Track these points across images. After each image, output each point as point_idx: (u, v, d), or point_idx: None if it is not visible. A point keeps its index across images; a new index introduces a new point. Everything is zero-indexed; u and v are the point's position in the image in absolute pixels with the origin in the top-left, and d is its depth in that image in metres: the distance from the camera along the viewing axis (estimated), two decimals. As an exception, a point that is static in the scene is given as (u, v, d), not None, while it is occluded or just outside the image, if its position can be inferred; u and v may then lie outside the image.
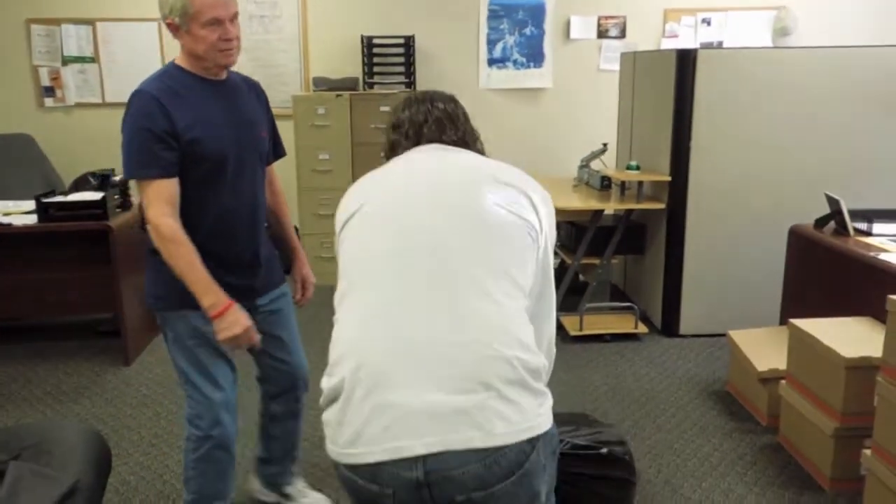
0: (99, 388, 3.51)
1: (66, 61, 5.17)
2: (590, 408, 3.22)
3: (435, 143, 1.59)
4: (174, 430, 3.09)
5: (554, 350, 1.61)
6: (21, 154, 4.91)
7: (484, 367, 1.24)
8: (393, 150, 1.63)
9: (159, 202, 1.88)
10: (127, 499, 2.58)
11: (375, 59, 5.06)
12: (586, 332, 3.99)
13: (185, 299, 1.93)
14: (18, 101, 5.18)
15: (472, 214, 1.37)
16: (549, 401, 1.33)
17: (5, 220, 3.61)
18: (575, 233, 4.19)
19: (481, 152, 1.64)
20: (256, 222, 2.11)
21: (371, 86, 5.05)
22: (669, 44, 5.43)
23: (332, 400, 1.30)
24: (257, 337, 1.98)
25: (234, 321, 1.92)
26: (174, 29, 1.90)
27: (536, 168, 5.49)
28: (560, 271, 4.65)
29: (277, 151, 2.26)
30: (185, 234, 1.90)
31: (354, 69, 5.21)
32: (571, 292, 4.24)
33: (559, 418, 2.25)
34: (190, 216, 1.95)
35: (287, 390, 2.30)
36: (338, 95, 4.89)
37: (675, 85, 3.83)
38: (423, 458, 1.19)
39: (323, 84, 5.01)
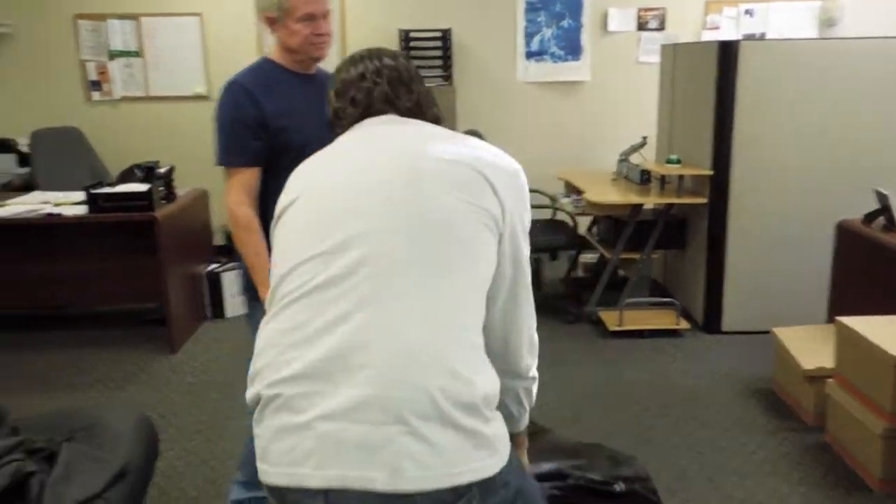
0: (146, 375, 3.59)
1: (112, 56, 5.27)
2: (629, 404, 3.20)
3: (386, 115, 1.37)
4: (220, 417, 3.14)
5: (536, 349, 1.40)
6: (69, 146, 5.03)
7: (397, 397, 1.05)
8: (338, 120, 1.41)
9: (239, 190, 1.95)
10: (174, 483, 2.64)
11: (412, 53, 5.07)
12: (626, 327, 3.96)
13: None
14: (67, 95, 5.30)
15: (415, 212, 1.16)
16: (497, 440, 1.12)
17: (56, 210, 3.71)
18: (614, 227, 4.16)
19: (436, 119, 1.43)
20: None
21: (409, 79, 5.06)
22: (710, 36, 5.34)
23: (251, 411, 1.20)
24: None
25: None
26: (271, 22, 1.96)
27: (574, 162, 5.46)
28: (599, 266, 4.62)
29: None
30: (260, 223, 1.96)
31: (393, 63, 5.23)
32: (611, 287, 4.21)
33: (566, 451, 2.12)
34: (270, 206, 1.97)
35: None
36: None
37: (717, 77, 3.77)
38: (325, 493, 1.06)
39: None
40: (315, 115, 2.01)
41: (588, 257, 4.93)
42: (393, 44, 5.20)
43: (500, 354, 1.32)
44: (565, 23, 5.33)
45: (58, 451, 1.86)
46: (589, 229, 4.64)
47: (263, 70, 2.01)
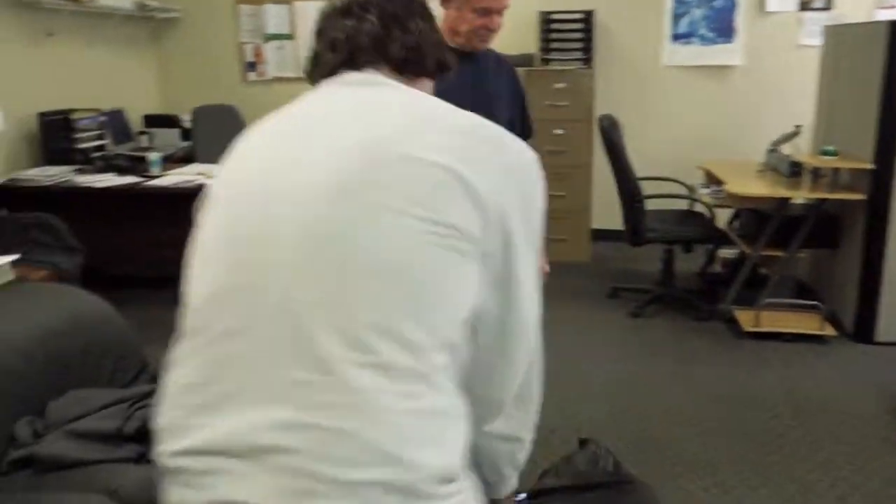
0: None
1: (267, 38, 5.60)
2: (758, 409, 3.00)
3: (364, 72, 1.04)
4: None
5: (531, 405, 1.11)
6: (226, 123, 5.40)
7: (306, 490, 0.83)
8: (313, 69, 1.12)
9: None
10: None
11: (553, 35, 4.98)
12: (763, 328, 3.71)
13: None
14: (226, 76, 5.70)
15: (350, 247, 0.86)
16: None
17: (208, 181, 4.01)
18: (757, 222, 3.89)
19: (442, 67, 1.12)
20: None
21: (547, 62, 4.99)
22: (886, 15, 4.83)
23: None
24: None
25: None
26: (446, 1, 1.99)
27: (718, 151, 5.15)
28: (738, 262, 4.35)
29: (526, 131, 2.22)
30: None
31: (530, 45, 5.17)
32: (749, 285, 3.95)
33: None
34: None
35: None
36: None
37: (886, 61, 3.40)
38: None
39: (500, 60, 5.02)
40: (469, 94, 1.96)
41: (727, 252, 4.65)
42: (533, 26, 5.13)
43: (480, 405, 1.02)
44: (718, 2, 5.02)
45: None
46: (730, 223, 4.37)
47: None
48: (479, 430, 1.05)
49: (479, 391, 1.00)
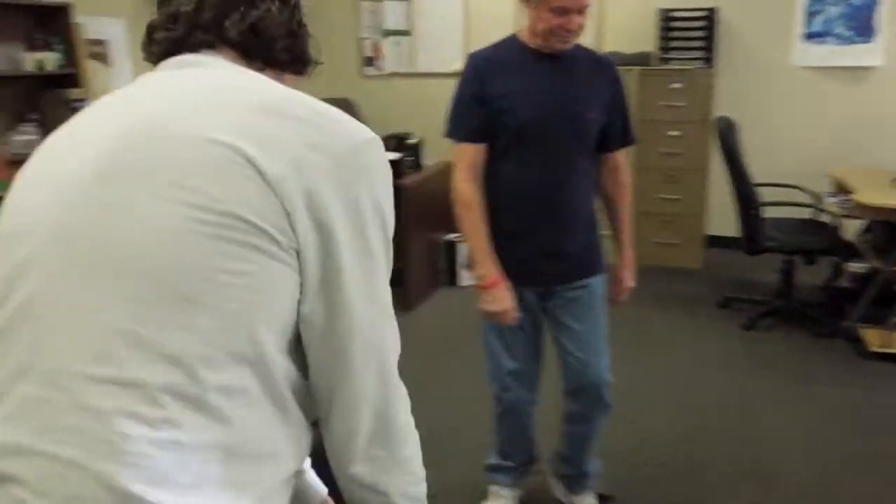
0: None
1: (385, 34, 5.73)
2: (879, 434, 2.79)
3: (201, 54, 0.87)
4: (443, 377, 3.33)
5: (402, 433, 0.91)
6: (342, 117, 5.59)
7: None
8: (148, 46, 0.91)
9: (461, 166, 1.97)
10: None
11: (672, 34, 4.81)
12: (893, 349, 3.44)
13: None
14: (345, 70, 5.89)
15: (101, 230, 0.73)
16: None
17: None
18: (890, 234, 3.61)
19: (299, 59, 0.96)
20: (558, 205, 1.99)
21: (665, 61, 4.83)
22: None
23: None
24: (516, 317, 2.03)
25: (495, 299, 1.99)
26: (526, 0, 1.95)
27: (850, 157, 4.82)
28: (868, 277, 4.06)
29: (624, 138, 2.08)
30: (481, 201, 1.98)
31: (648, 43, 5.02)
32: (879, 303, 3.67)
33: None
34: (489, 185, 2.00)
35: (577, 390, 2.16)
36: (627, 70, 4.75)
37: None
38: None
39: (615, 59, 4.91)
40: (548, 97, 1.93)
41: (855, 266, 4.35)
42: (651, 24, 4.98)
43: (331, 438, 0.86)
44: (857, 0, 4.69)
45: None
46: (861, 235, 4.09)
47: (505, 47, 1.98)
48: (341, 472, 0.88)
49: (323, 419, 0.85)
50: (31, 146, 3.68)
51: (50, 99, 3.81)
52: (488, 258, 1.97)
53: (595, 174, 2.06)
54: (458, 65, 5.49)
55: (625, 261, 2.17)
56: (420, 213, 4.12)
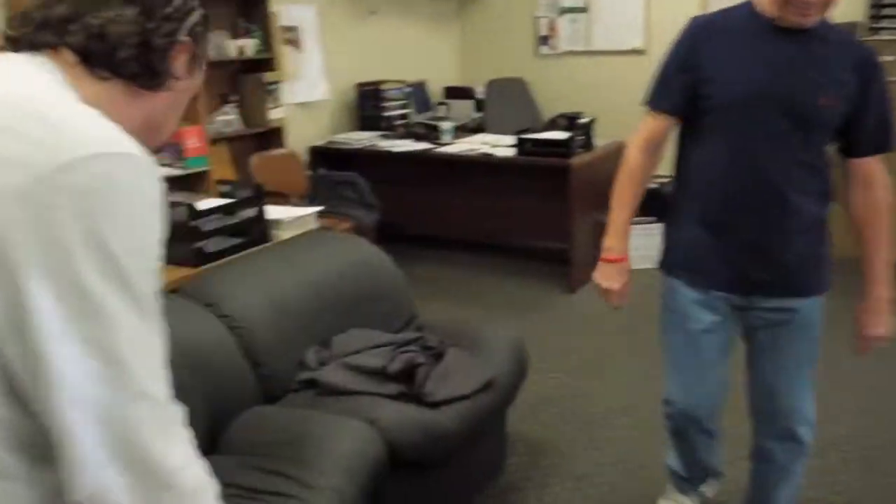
0: (543, 308, 3.92)
1: (561, 12, 5.65)
2: None
3: (41, 54, 0.80)
4: (604, 358, 3.31)
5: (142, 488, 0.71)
6: (514, 95, 5.60)
7: None
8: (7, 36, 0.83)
9: (640, 135, 1.82)
10: (543, 408, 2.88)
11: (886, 0, 4.29)
12: None
13: (673, 264, 1.87)
14: (519, 49, 5.88)
15: None
16: None
17: (490, 150, 4.22)
18: None
19: (149, 73, 0.83)
20: (771, 199, 1.68)
21: (875, 31, 4.32)
22: None
23: None
24: (621, 302, 1.92)
25: (609, 275, 1.89)
26: None
27: None
28: None
29: (879, 141, 1.71)
30: (645, 176, 1.83)
31: (855, 12, 4.52)
32: None
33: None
34: (688, 167, 1.80)
35: (762, 422, 1.92)
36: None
37: None
38: None
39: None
40: (772, 75, 1.64)
41: None
42: (862, -11, 4.47)
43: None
44: None
45: (444, 352, 2.19)
46: None
47: (735, 14, 1.71)
48: None
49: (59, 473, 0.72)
50: (231, 126, 4.08)
51: (248, 82, 4.19)
52: (622, 233, 1.87)
53: (831, 176, 1.73)
54: (636, 42, 5.29)
55: (872, 302, 1.76)
56: (587, 193, 4.05)
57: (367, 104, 4.99)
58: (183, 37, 0.84)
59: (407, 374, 2.06)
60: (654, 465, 2.36)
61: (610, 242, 1.89)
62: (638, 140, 1.82)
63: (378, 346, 2.21)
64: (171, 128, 0.92)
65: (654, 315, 1.98)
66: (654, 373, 2.26)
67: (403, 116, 5.05)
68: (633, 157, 1.83)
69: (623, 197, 1.86)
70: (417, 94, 5.36)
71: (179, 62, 0.85)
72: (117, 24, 0.79)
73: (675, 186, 1.86)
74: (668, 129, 1.81)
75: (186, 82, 0.88)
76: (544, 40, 5.77)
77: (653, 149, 1.82)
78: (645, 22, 5.21)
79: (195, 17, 0.86)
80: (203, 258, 2.43)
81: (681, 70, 1.73)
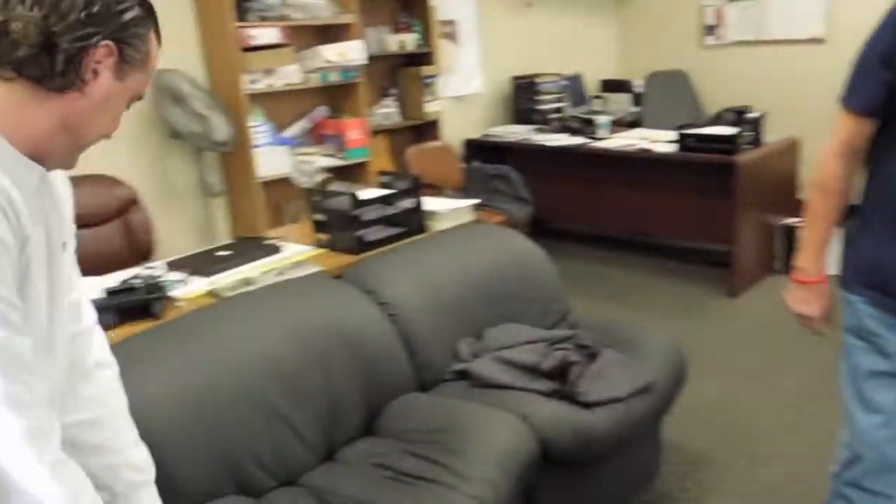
0: (702, 312, 3.72)
1: (731, -1, 5.33)
2: None
3: None
4: (768, 367, 3.11)
5: None
6: (676, 88, 5.36)
7: None
8: None
9: (836, 139, 1.56)
10: (701, 416, 2.74)
11: None
12: None
13: (854, 277, 1.58)
14: (681, 41, 5.61)
15: None
16: None
17: (649, 146, 4.05)
18: None
19: (37, 70, 0.82)
20: None
21: None
22: None
23: None
24: (822, 328, 1.67)
25: (807, 299, 1.64)
26: None
27: None
28: None
29: None
30: (845, 186, 1.57)
31: None
32: None
33: None
34: (880, 181, 1.55)
35: None
36: None
37: None
38: None
39: None
40: None
41: None
42: None
43: None
44: None
45: (599, 352, 2.13)
46: None
47: None
48: None
49: None
50: (390, 118, 4.20)
51: (406, 76, 4.30)
52: (819, 252, 1.62)
53: None
54: (816, 30, 4.88)
55: None
56: (754, 192, 3.80)
57: (522, 97, 4.97)
58: (103, 41, 0.83)
59: (560, 372, 2.02)
60: (826, 491, 2.17)
61: (803, 262, 1.65)
62: (834, 144, 1.57)
63: (531, 342, 2.18)
64: (99, 131, 0.90)
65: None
66: (829, 389, 2.07)
67: (558, 110, 4.98)
68: (827, 163, 1.57)
69: (818, 210, 1.61)
70: (573, 87, 5.27)
71: (102, 66, 0.85)
72: (19, 22, 0.79)
73: (864, 196, 1.60)
74: (869, 132, 1.54)
75: (112, 86, 0.87)
76: (710, 30, 5.47)
77: (851, 154, 1.57)
78: (828, 7, 4.79)
79: (124, 20, 0.84)
80: (363, 246, 2.51)
81: (881, 63, 1.47)
